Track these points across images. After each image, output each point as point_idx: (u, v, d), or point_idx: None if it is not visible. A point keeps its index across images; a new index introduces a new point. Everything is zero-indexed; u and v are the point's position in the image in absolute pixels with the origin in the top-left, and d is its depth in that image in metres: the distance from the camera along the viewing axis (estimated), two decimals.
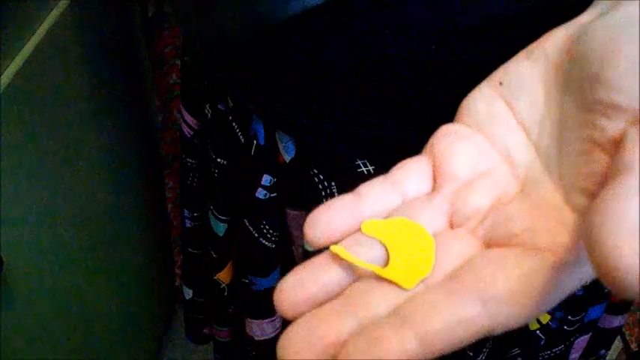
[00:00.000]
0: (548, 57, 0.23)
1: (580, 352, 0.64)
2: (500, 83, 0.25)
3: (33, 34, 0.62)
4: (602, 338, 0.67)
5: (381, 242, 0.23)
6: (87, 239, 0.78)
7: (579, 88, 0.22)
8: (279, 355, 0.20)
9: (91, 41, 0.76)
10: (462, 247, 0.22)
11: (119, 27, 0.87)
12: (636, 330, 1.18)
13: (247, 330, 0.60)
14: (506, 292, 0.19)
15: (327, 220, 0.23)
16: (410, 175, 0.25)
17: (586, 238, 0.17)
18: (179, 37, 0.93)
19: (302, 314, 0.21)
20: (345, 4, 0.35)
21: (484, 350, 0.54)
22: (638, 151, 0.18)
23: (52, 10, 0.66)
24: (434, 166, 0.25)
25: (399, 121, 0.39)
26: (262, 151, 0.47)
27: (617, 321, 0.66)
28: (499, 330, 0.19)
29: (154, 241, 1.07)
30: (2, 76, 0.57)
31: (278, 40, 0.39)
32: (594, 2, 0.24)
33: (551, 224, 0.21)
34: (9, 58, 0.58)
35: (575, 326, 0.56)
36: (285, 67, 0.40)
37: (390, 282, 0.22)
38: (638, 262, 0.15)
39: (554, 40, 0.23)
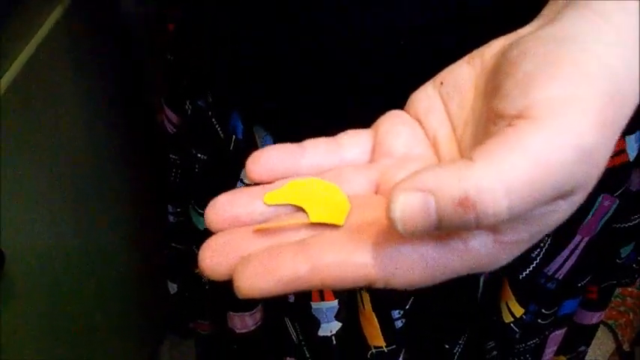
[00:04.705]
0: (484, 64, 0.25)
1: (556, 347, 0.65)
2: (442, 83, 0.27)
3: (34, 35, 0.63)
4: (581, 334, 0.68)
5: (294, 206, 0.25)
6: (86, 237, 0.79)
7: (489, 96, 0.23)
8: (199, 257, 0.23)
9: (93, 41, 0.76)
10: (375, 208, 0.24)
11: (120, 26, 0.87)
12: (628, 330, 1.19)
13: (228, 323, 0.60)
14: (395, 250, 0.21)
15: (268, 161, 0.26)
16: (353, 143, 0.27)
17: None
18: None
19: (224, 229, 0.24)
20: (317, 6, 0.36)
21: (460, 343, 0.55)
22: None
23: (53, 10, 0.66)
24: (375, 141, 0.27)
25: (373, 116, 0.41)
26: (241, 146, 0.48)
27: (595, 318, 0.67)
28: (380, 284, 0.22)
29: (154, 238, 1.07)
30: (3, 77, 0.57)
31: (254, 39, 0.40)
32: (541, 12, 0.25)
33: None
34: (11, 59, 0.59)
35: (549, 320, 0.57)
36: (262, 64, 0.41)
37: (321, 224, 0.24)
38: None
39: (491, 49, 0.25)
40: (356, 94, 0.40)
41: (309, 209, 0.24)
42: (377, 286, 0.22)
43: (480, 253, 0.21)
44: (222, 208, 0.24)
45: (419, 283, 0.22)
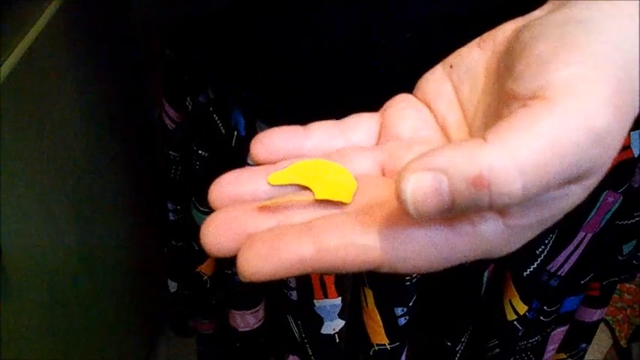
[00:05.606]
0: (496, 47, 0.25)
1: (557, 344, 0.65)
2: (451, 66, 0.26)
3: (32, 27, 0.62)
4: (582, 332, 0.68)
5: (299, 186, 0.24)
6: (84, 232, 0.79)
7: (501, 78, 0.23)
8: (201, 232, 0.22)
9: (91, 34, 0.76)
10: (383, 189, 0.24)
11: (117, 20, 0.87)
12: (625, 326, 1.19)
13: (231, 321, 0.60)
14: (402, 233, 0.21)
15: (273, 142, 0.25)
16: (359, 126, 0.27)
17: None
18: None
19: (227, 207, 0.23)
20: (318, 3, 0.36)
21: (462, 340, 0.55)
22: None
23: (51, 1, 0.66)
24: (382, 124, 0.27)
25: (376, 109, 0.41)
26: (243, 142, 0.48)
27: (596, 315, 0.67)
28: (386, 268, 0.21)
29: (150, 234, 1.07)
30: (0, 69, 0.57)
31: (255, 35, 0.40)
32: None
33: None
34: (8, 51, 0.58)
35: (551, 317, 0.57)
36: (263, 58, 0.41)
37: (328, 203, 0.23)
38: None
39: (504, 32, 0.25)
40: (360, 92, 0.40)
41: (315, 188, 0.24)
42: (382, 270, 0.21)
43: (489, 237, 0.21)
44: (227, 186, 0.24)
45: (425, 268, 0.21)
